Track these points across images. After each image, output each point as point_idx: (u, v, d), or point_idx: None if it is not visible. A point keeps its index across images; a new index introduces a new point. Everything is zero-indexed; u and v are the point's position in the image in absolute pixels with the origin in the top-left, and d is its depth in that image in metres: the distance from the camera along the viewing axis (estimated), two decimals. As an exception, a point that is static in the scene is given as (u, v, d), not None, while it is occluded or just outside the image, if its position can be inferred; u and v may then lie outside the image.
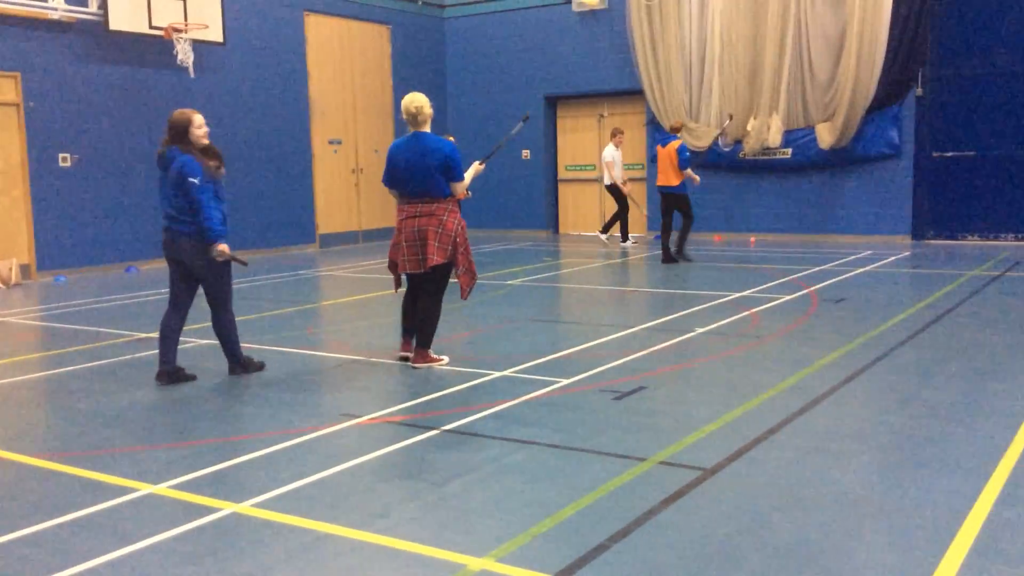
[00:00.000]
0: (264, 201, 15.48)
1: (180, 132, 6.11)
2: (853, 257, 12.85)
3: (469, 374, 6.30)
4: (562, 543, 3.50)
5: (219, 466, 4.50)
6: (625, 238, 15.51)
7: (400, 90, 17.85)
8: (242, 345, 6.61)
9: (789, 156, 15.57)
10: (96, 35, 12.98)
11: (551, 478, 4.23)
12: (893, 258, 12.75)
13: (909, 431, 4.88)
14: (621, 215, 15.38)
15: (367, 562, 3.41)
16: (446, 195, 6.39)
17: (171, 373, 6.26)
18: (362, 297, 10.41)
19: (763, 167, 15.92)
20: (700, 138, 16.14)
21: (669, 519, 3.70)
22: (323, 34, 16.46)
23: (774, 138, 15.42)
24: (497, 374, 6.26)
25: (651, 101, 16.62)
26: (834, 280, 10.52)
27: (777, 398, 5.50)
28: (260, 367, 6.55)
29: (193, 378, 6.34)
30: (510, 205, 18.41)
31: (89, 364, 6.99)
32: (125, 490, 4.18)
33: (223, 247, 6.10)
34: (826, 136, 15.08)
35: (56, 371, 6.86)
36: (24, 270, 12.39)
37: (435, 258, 6.31)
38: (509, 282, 11.01)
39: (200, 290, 6.38)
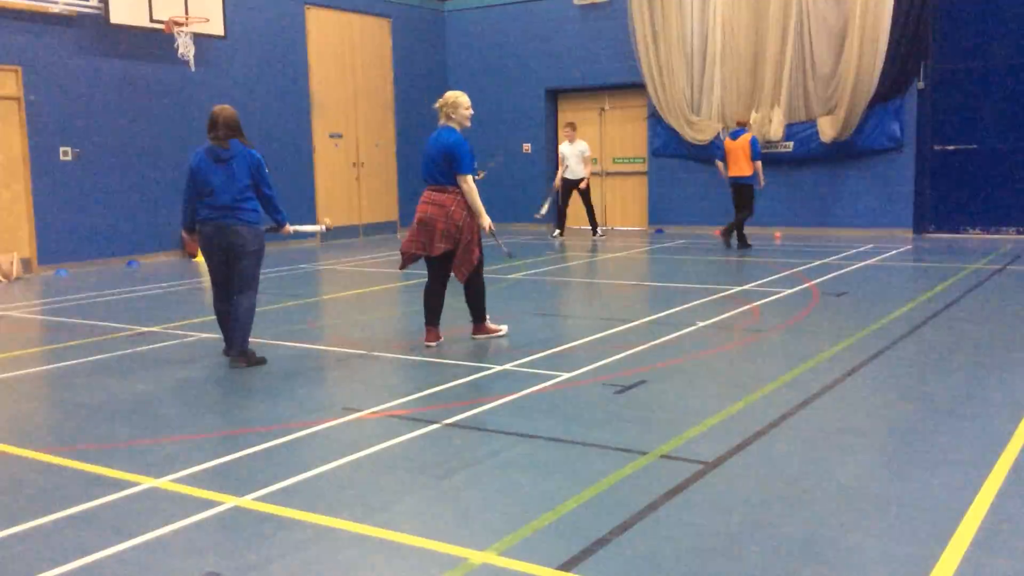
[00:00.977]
0: (265, 195, 15.44)
1: (236, 126, 6.47)
2: (854, 250, 12.83)
3: (470, 368, 6.30)
4: (564, 536, 3.50)
5: (220, 460, 4.50)
6: (595, 231, 16.06)
7: (401, 83, 17.86)
8: (244, 338, 6.66)
9: (791, 149, 15.53)
10: (97, 29, 12.97)
11: (552, 472, 4.23)
12: (895, 251, 12.73)
13: (910, 424, 4.88)
14: (588, 208, 15.91)
15: (368, 555, 3.41)
16: (453, 183, 6.84)
17: (246, 354, 6.49)
18: (363, 291, 10.41)
19: (765, 160, 15.86)
20: (701, 132, 16.11)
21: (670, 512, 3.70)
22: (324, 27, 16.43)
23: (776, 131, 15.39)
24: (498, 368, 6.26)
25: (652, 94, 16.58)
26: (835, 274, 10.51)
27: (778, 391, 5.50)
28: (261, 362, 6.56)
29: (263, 361, 6.57)
30: (511, 199, 18.38)
31: (90, 358, 6.99)
32: (126, 484, 4.18)
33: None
34: (828, 129, 15.04)
35: (57, 365, 6.86)
36: (25, 264, 12.39)
37: (440, 245, 6.83)
38: (510, 276, 11.01)
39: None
